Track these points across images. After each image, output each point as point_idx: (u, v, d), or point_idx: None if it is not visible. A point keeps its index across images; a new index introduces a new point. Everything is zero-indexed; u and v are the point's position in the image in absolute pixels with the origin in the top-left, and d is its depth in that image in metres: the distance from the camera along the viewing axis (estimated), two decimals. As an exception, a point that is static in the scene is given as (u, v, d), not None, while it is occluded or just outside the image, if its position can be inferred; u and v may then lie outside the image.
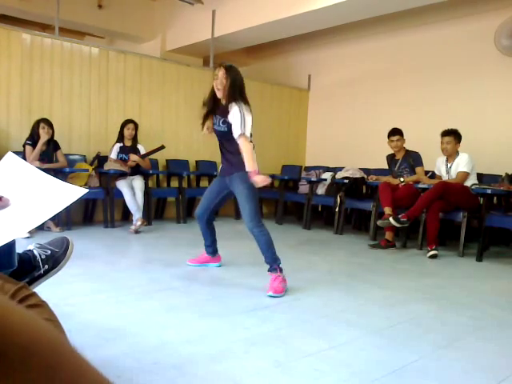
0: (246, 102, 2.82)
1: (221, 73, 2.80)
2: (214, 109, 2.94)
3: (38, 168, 1.35)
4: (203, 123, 3.02)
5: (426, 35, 6.03)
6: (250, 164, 2.72)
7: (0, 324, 0.32)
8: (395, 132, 4.76)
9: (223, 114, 2.85)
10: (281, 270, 2.78)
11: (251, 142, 2.86)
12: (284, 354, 1.80)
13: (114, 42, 8.28)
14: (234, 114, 2.77)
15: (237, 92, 2.80)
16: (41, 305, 0.96)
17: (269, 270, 2.80)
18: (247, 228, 2.79)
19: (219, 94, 2.86)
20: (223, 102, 2.88)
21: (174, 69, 6.09)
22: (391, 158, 4.93)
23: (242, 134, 2.73)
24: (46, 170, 1.36)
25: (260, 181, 2.66)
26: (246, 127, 2.75)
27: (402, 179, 4.66)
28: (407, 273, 3.49)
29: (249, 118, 2.77)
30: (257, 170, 2.72)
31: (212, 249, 3.30)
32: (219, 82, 2.81)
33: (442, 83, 5.85)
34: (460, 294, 2.90)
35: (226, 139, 2.93)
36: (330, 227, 5.58)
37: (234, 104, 2.79)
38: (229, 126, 2.83)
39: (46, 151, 4.61)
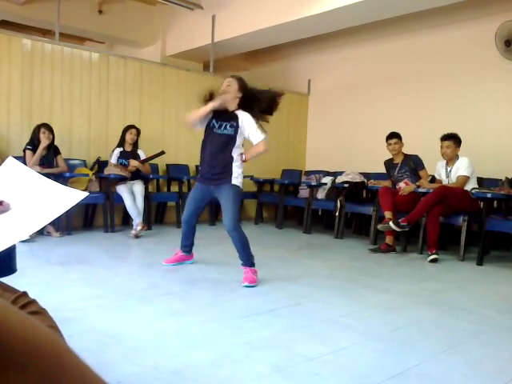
0: (254, 115, 3.05)
1: (231, 80, 3.05)
2: (220, 113, 3.06)
3: (39, 173, 1.35)
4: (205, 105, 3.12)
5: (426, 39, 6.05)
6: (251, 156, 3.10)
7: (1, 328, 0.32)
8: (393, 135, 4.78)
9: (231, 120, 3.02)
10: (253, 265, 3.06)
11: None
12: (284, 359, 1.80)
13: (114, 47, 8.30)
14: (248, 120, 2.99)
15: (242, 99, 3.04)
16: (41, 312, 0.96)
17: (242, 265, 3.06)
18: (226, 229, 3.03)
19: (228, 98, 3.02)
20: (231, 108, 3.05)
21: (174, 74, 6.10)
22: (389, 163, 4.94)
23: (264, 140, 2.99)
24: (46, 175, 1.36)
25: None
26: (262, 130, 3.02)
27: (417, 183, 4.61)
28: (407, 277, 3.49)
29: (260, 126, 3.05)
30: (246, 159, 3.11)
31: (190, 248, 3.49)
32: (231, 89, 3.02)
33: (441, 87, 5.86)
34: (460, 298, 2.89)
35: (224, 146, 3.02)
36: (330, 231, 5.58)
37: (242, 111, 3.02)
38: (235, 130, 3.00)
39: (47, 156, 4.61)
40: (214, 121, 3.06)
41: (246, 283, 2.93)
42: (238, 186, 3.06)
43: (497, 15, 5.35)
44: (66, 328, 0.99)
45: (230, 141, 3.02)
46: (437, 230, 4.17)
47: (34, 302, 0.97)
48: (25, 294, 0.98)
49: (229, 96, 3.01)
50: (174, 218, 5.62)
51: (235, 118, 3.01)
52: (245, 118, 3.00)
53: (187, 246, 3.47)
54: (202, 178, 3.20)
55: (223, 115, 3.05)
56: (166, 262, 3.46)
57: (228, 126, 3.01)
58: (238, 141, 3.04)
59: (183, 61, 7.19)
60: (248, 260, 3.05)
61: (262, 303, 2.58)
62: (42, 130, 4.53)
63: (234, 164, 3.04)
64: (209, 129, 3.09)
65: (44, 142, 4.51)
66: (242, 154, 3.09)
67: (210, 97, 3.10)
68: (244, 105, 3.05)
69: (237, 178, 3.04)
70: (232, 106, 3.04)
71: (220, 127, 3.03)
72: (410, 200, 4.46)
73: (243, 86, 3.06)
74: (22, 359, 0.33)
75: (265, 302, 2.61)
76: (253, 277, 2.99)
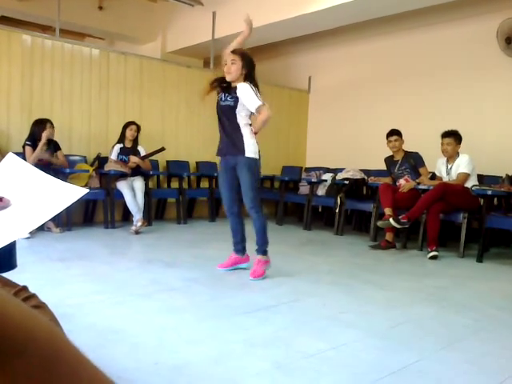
0: (256, 85, 3.04)
1: (236, 58, 3.03)
2: (225, 88, 3.10)
3: (38, 167, 1.35)
4: (210, 88, 3.16)
5: (427, 36, 6.04)
6: (258, 127, 3.01)
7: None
8: (393, 132, 4.78)
9: (232, 92, 3.04)
10: (266, 253, 3.11)
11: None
12: (284, 355, 1.80)
13: (115, 43, 8.29)
14: (245, 89, 2.97)
15: (247, 75, 3.04)
16: (41, 306, 0.96)
17: (256, 251, 3.10)
18: (247, 209, 3.08)
19: (230, 78, 3.04)
20: (234, 84, 3.06)
21: (175, 70, 6.09)
22: (390, 160, 4.93)
23: (262, 105, 2.91)
24: (47, 167, 1.36)
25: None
26: (261, 99, 2.94)
27: (417, 180, 4.61)
28: (408, 274, 3.49)
29: (259, 95, 2.97)
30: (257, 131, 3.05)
31: (241, 246, 3.28)
32: (233, 66, 3.02)
33: (442, 84, 5.84)
34: (460, 295, 2.90)
35: (228, 116, 3.06)
36: (330, 228, 5.58)
37: (242, 82, 3.01)
38: (236, 100, 3.00)
39: (47, 151, 4.60)
40: (221, 94, 3.12)
41: (252, 278, 2.98)
42: (254, 159, 3.03)
43: (498, 13, 5.33)
44: (66, 324, 1.00)
45: (232, 110, 3.03)
46: (437, 226, 4.17)
47: (34, 296, 0.98)
48: (25, 288, 0.99)
49: None
50: (174, 214, 5.61)
51: (235, 89, 3.04)
52: (241, 87, 3.00)
53: (238, 244, 3.27)
54: (220, 155, 3.19)
55: (228, 89, 3.09)
56: (219, 267, 3.28)
57: (229, 98, 3.05)
58: (240, 110, 3.01)
59: (183, 57, 7.17)
60: (263, 244, 3.09)
61: (262, 299, 2.58)
62: (49, 124, 4.52)
63: (243, 134, 3.02)
64: (217, 104, 3.15)
65: (47, 135, 4.46)
66: (250, 124, 3.08)
67: (214, 83, 3.15)
68: (249, 79, 3.06)
69: (250, 148, 3.01)
70: (237, 82, 3.06)
71: (223, 98, 3.09)
72: (410, 197, 4.46)
73: (248, 61, 3.06)
74: (19, 347, 0.33)
75: (265, 298, 2.61)
76: (260, 271, 3.03)
